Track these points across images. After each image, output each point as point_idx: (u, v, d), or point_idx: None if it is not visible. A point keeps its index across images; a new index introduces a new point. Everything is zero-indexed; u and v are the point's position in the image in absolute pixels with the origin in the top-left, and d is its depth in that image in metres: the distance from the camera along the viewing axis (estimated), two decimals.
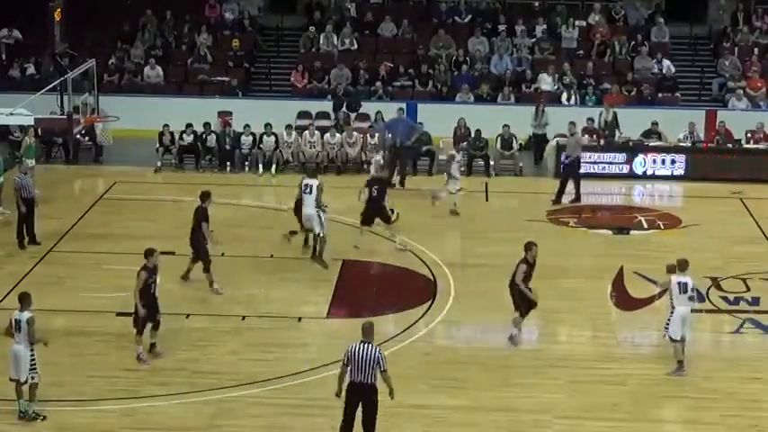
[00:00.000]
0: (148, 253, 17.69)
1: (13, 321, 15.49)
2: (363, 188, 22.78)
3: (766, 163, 28.59)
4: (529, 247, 18.21)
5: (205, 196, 20.65)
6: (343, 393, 14.45)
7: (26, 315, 15.44)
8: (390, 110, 29.72)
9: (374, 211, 22.56)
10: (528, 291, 18.02)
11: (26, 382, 15.45)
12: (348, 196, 27.05)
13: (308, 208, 21.58)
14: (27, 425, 15.47)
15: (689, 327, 17.45)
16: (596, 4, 35.67)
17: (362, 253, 22.68)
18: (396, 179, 27.45)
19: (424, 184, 27.74)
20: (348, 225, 23.59)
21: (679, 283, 17.30)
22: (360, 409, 14.47)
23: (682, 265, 17.49)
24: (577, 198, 26.57)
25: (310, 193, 21.63)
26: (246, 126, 29.31)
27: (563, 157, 27.28)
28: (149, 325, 17.58)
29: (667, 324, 17.47)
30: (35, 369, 15.47)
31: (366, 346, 14.27)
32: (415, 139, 28.71)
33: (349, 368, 14.29)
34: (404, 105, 29.95)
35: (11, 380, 15.54)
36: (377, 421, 14.47)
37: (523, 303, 18.19)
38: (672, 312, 17.34)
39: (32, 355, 15.45)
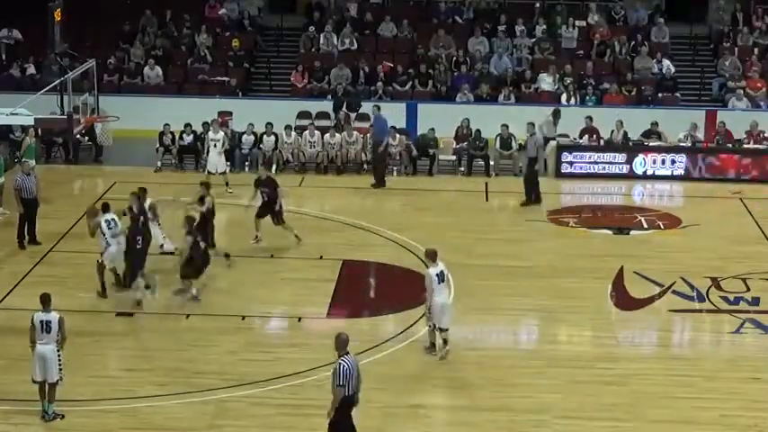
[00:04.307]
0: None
1: (40, 323, 15.37)
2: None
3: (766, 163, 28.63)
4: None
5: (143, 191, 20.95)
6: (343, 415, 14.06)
7: (55, 315, 15.41)
8: (391, 109, 29.74)
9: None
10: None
11: (57, 382, 15.42)
12: (348, 196, 27.13)
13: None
14: (27, 425, 15.45)
15: (449, 314, 17.60)
16: (596, 4, 35.68)
17: (362, 253, 22.69)
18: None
19: (425, 185, 27.80)
20: (347, 225, 23.61)
21: (437, 275, 17.34)
22: None
23: (432, 256, 17.55)
24: (536, 200, 26.20)
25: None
26: (250, 125, 29.29)
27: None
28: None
29: (429, 316, 17.49)
30: (61, 369, 15.46)
31: (352, 358, 14.05)
32: (386, 140, 28.02)
33: (346, 385, 13.95)
34: (379, 104, 29.78)
35: (35, 382, 15.46)
36: None
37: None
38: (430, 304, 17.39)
39: (60, 356, 15.42)
